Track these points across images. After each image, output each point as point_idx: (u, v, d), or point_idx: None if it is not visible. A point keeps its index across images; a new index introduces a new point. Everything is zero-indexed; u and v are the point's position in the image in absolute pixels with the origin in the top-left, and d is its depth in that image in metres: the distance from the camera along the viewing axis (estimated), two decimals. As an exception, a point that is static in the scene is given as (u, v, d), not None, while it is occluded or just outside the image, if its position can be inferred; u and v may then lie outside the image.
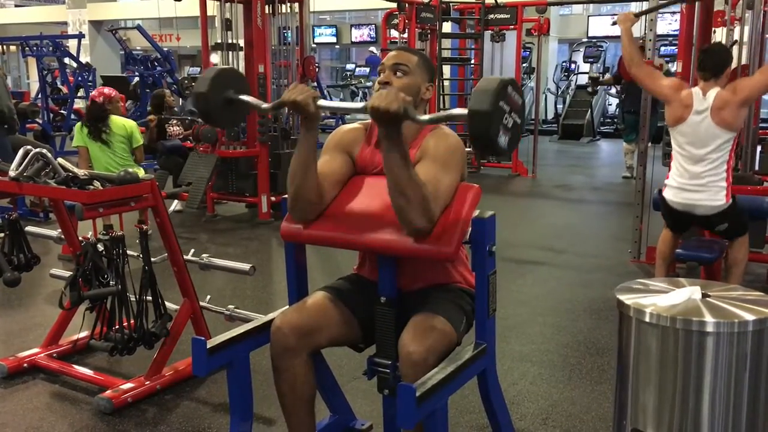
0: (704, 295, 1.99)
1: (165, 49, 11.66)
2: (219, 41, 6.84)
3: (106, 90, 5.76)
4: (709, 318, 1.84)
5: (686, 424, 1.89)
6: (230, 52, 6.90)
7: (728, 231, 4.07)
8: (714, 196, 3.92)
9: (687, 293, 1.97)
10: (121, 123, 5.53)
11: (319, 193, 2.15)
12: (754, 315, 1.86)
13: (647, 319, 1.90)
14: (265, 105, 2.23)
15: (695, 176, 3.95)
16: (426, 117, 1.97)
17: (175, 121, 7.53)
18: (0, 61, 13.02)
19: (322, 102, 2.05)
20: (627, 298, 1.99)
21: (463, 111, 1.83)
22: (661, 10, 6.12)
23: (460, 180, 2.13)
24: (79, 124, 5.71)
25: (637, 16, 4.35)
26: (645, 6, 5.72)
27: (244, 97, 2.18)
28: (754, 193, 4.48)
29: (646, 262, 5.22)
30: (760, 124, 6.85)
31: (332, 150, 2.27)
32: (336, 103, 2.16)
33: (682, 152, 4.02)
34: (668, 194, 4.09)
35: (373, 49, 18.87)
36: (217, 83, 2.14)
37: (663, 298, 1.96)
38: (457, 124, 10.04)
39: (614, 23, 4.48)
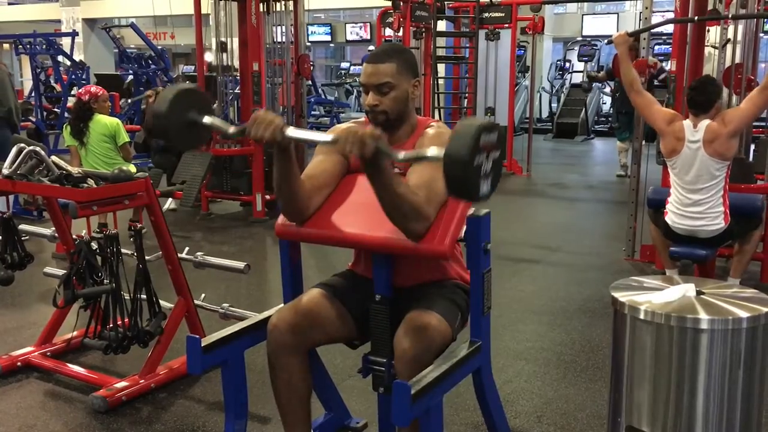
0: (699, 293, 2.00)
1: (159, 47, 11.63)
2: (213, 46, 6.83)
3: (93, 89, 5.62)
4: (703, 315, 1.85)
5: (681, 420, 1.89)
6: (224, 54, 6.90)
7: (739, 233, 4.21)
8: (713, 222, 4.07)
9: (681, 291, 1.98)
10: (104, 122, 5.41)
11: (308, 197, 2.14)
12: (748, 312, 1.87)
13: (642, 317, 1.91)
14: (231, 129, 2.09)
15: (694, 204, 4.10)
16: (401, 155, 1.88)
17: None
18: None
19: (289, 133, 1.95)
20: (622, 296, 2.00)
21: (438, 153, 1.74)
22: (654, 10, 6.13)
23: None
24: (66, 123, 5.65)
25: (632, 35, 4.41)
26: (639, 5, 5.73)
27: (208, 120, 2.06)
28: (747, 191, 4.50)
29: (641, 260, 5.23)
30: (754, 123, 6.87)
31: (326, 150, 2.27)
32: (305, 134, 2.04)
33: (679, 181, 4.16)
34: (670, 219, 4.21)
35: (370, 47, 18.86)
36: (178, 104, 2.01)
37: (658, 296, 1.97)
38: (451, 123, 10.05)
39: (609, 42, 4.53)
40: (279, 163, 2.05)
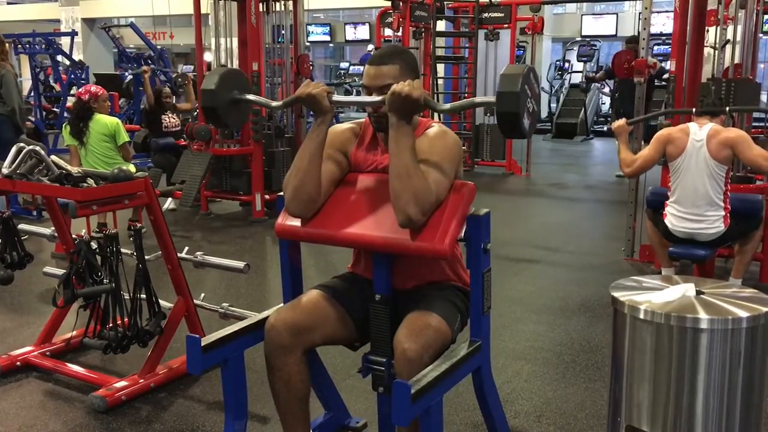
0: (698, 292, 2.00)
1: (158, 46, 11.63)
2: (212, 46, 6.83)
3: (93, 88, 5.61)
4: (703, 315, 1.85)
5: (680, 420, 1.89)
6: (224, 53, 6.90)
7: (740, 233, 4.22)
8: (712, 224, 4.09)
9: (681, 290, 1.98)
10: (103, 121, 5.40)
11: (320, 187, 2.16)
12: (748, 312, 1.87)
13: (642, 316, 1.91)
14: (275, 103, 2.26)
15: (694, 205, 4.11)
16: (447, 106, 2.06)
17: (170, 113, 7.49)
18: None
19: (336, 97, 2.11)
20: (621, 295, 2.00)
21: (488, 98, 1.96)
22: (654, 10, 6.13)
23: (455, 178, 2.13)
24: (65, 122, 5.65)
25: (630, 124, 4.54)
26: (639, 5, 5.74)
27: (252, 97, 2.22)
28: (746, 191, 4.51)
29: (640, 260, 5.23)
30: (753, 123, 6.87)
31: (328, 148, 2.27)
32: (351, 98, 2.21)
33: (680, 183, 4.17)
34: (669, 222, 4.22)
35: (369, 47, 18.86)
36: (224, 82, 2.18)
37: (657, 295, 1.97)
38: (452, 123, 10.06)
39: (609, 129, 4.66)
40: (313, 136, 2.15)
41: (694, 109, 4.34)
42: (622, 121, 4.47)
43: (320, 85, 2.12)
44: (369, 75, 2.17)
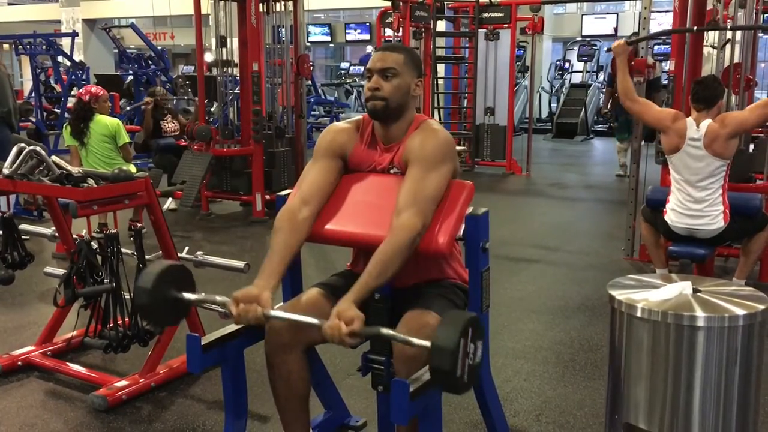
0: (695, 291, 2.01)
1: (159, 47, 11.64)
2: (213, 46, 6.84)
3: (93, 89, 5.62)
4: (700, 313, 1.86)
5: (677, 418, 1.90)
6: (223, 49, 6.91)
7: (745, 233, 4.23)
8: (712, 221, 4.09)
9: (678, 288, 1.99)
10: (104, 122, 5.41)
11: (303, 243, 2.18)
12: (745, 310, 1.88)
13: (639, 314, 1.92)
14: (219, 298, 2.05)
15: (694, 202, 4.12)
16: (384, 332, 1.87)
17: (170, 117, 7.51)
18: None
19: (272, 313, 1.97)
20: (619, 294, 2.01)
21: (425, 344, 1.73)
22: (653, 9, 6.14)
23: (453, 173, 2.14)
24: (66, 123, 5.66)
25: (630, 44, 4.47)
26: (638, 5, 5.74)
27: (191, 296, 2.05)
28: (746, 190, 4.52)
29: (640, 259, 5.24)
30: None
31: (323, 156, 2.27)
32: (288, 315, 2.02)
33: (679, 179, 4.18)
34: (669, 218, 4.23)
35: (368, 47, 18.88)
36: (163, 279, 1.99)
37: (654, 294, 1.98)
38: (451, 123, 10.06)
39: (608, 50, 4.62)
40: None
41: (695, 27, 4.24)
42: (621, 41, 4.40)
43: (254, 315, 1.96)
44: (374, 59, 2.21)
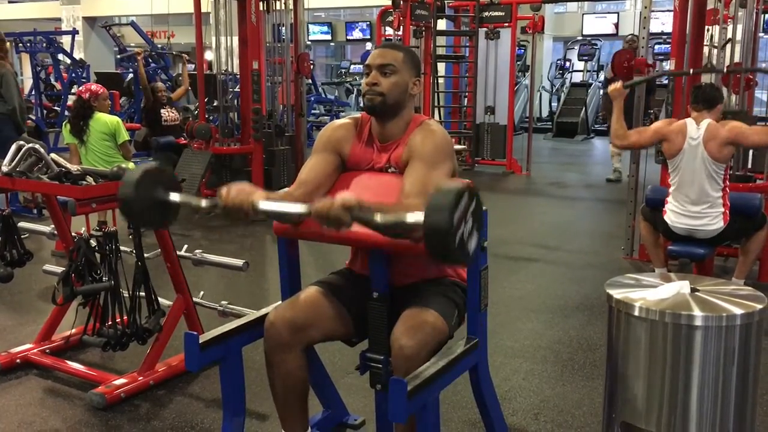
0: (693, 290, 2.01)
1: (159, 45, 11.63)
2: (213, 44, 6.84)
3: (93, 87, 5.61)
4: (697, 312, 1.86)
5: (675, 417, 1.90)
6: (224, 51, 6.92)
7: (743, 233, 4.22)
8: (712, 221, 4.10)
9: (676, 288, 1.99)
10: (104, 120, 5.40)
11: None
12: (742, 309, 1.88)
13: (636, 313, 1.92)
14: (203, 203, 2.01)
15: (693, 203, 4.13)
16: (379, 218, 1.79)
17: (169, 108, 7.50)
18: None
19: (262, 206, 1.90)
20: (617, 293, 2.01)
21: (418, 219, 1.67)
22: (654, 9, 6.14)
23: (451, 173, 2.14)
24: (65, 121, 5.67)
25: (627, 87, 4.51)
26: (639, 4, 5.74)
27: (176, 198, 2.02)
28: (746, 189, 4.52)
29: (639, 259, 5.24)
30: (757, 123, 6.87)
31: (321, 150, 2.28)
32: (277, 206, 1.95)
33: (679, 180, 4.18)
34: (669, 218, 4.23)
35: (369, 46, 18.87)
36: (143, 186, 1.97)
37: (652, 293, 1.98)
38: (451, 122, 10.06)
39: (605, 94, 4.65)
40: None
41: (691, 70, 4.31)
42: (618, 84, 4.44)
43: (244, 196, 1.90)
44: (373, 55, 2.21)
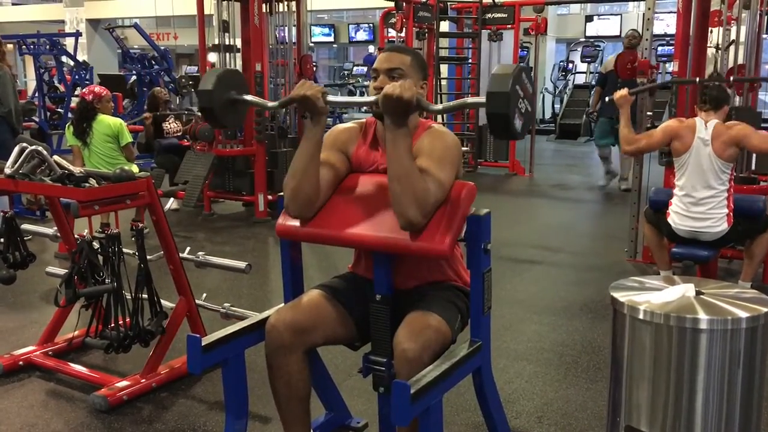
0: (698, 293, 2.00)
1: (162, 47, 11.64)
2: (216, 42, 6.84)
3: (97, 89, 5.63)
4: (702, 315, 1.85)
5: (680, 421, 1.89)
6: (227, 53, 6.90)
7: (748, 235, 4.21)
8: (716, 224, 4.09)
9: (681, 291, 1.98)
10: (107, 122, 5.42)
11: (318, 188, 2.16)
12: (748, 312, 1.86)
13: (641, 317, 1.91)
14: (271, 103, 2.26)
15: (698, 204, 4.12)
16: (439, 107, 2.05)
17: (172, 119, 7.51)
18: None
19: (331, 97, 2.11)
20: (621, 296, 2.00)
21: (479, 99, 1.90)
22: (657, 11, 6.13)
23: (456, 178, 2.14)
24: (69, 123, 5.67)
25: (632, 94, 4.53)
26: (642, 6, 5.74)
27: (249, 97, 2.23)
28: (750, 192, 4.50)
29: (643, 261, 5.23)
30: (762, 124, 6.85)
31: (328, 149, 2.28)
32: (346, 98, 2.22)
33: (684, 181, 4.18)
34: (672, 220, 4.22)
35: (371, 48, 18.88)
36: (221, 83, 2.18)
37: (657, 296, 1.97)
38: (454, 124, 10.05)
39: (610, 101, 4.68)
40: (309, 137, 2.15)
41: (697, 79, 4.31)
42: (624, 91, 4.45)
43: (315, 86, 2.12)
44: (380, 59, 2.22)
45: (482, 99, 1.89)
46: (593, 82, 14.86)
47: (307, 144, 2.14)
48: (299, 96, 2.09)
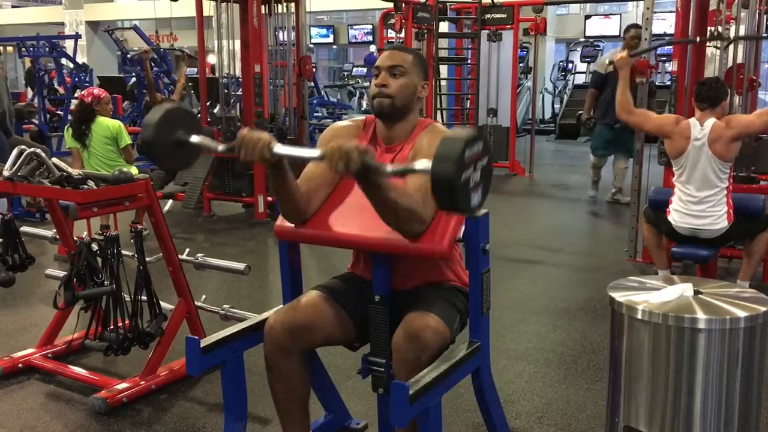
0: (696, 292, 2.00)
1: (161, 49, 11.64)
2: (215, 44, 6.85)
3: (96, 91, 5.63)
4: (701, 315, 1.85)
5: (678, 420, 1.89)
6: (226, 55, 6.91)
7: (747, 234, 4.20)
8: (715, 221, 4.08)
9: (679, 290, 1.98)
10: (105, 124, 5.42)
11: (306, 201, 2.16)
12: (746, 312, 1.86)
13: (639, 316, 1.91)
14: (220, 147, 2.06)
15: (697, 202, 4.11)
16: (389, 168, 1.85)
17: None
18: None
19: (277, 150, 1.92)
20: (619, 296, 2.00)
21: (427, 166, 1.69)
22: (656, 10, 6.13)
23: None
24: (67, 125, 5.68)
25: (633, 56, 4.49)
26: (641, 5, 5.73)
27: (195, 139, 2.04)
28: (750, 191, 4.50)
29: (643, 261, 5.22)
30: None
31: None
32: (293, 150, 2.01)
33: (683, 180, 4.18)
34: (673, 218, 4.22)
35: (372, 48, 18.87)
36: (167, 120, 2.00)
37: (655, 296, 1.97)
38: (454, 124, 10.05)
39: (611, 63, 4.65)
40: (273, 178, 2.05)
41: (698, 38, 4.28)
42: (624, 53, 4.42)
43: (260, 140, 1.90)
44: (382, 57, 2.22)
45: (428, 167, 1.69)
46: (591, 81, 14.85)
47: (273, 181, 2.07)
48: (246, 159, 1.92)
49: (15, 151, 3.09)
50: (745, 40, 4.84)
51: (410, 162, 2.14)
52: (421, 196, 1.99)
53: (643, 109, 4.51)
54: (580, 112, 7.89)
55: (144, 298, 3.12)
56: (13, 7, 23.89)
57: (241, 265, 3.35)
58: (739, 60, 5.05)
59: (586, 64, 15.32)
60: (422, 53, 8.92)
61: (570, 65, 15.90)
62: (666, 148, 4.29)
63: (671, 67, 5.52)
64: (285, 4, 7.12)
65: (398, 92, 2.17)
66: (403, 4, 8.57)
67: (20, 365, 3.38)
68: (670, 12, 13.31)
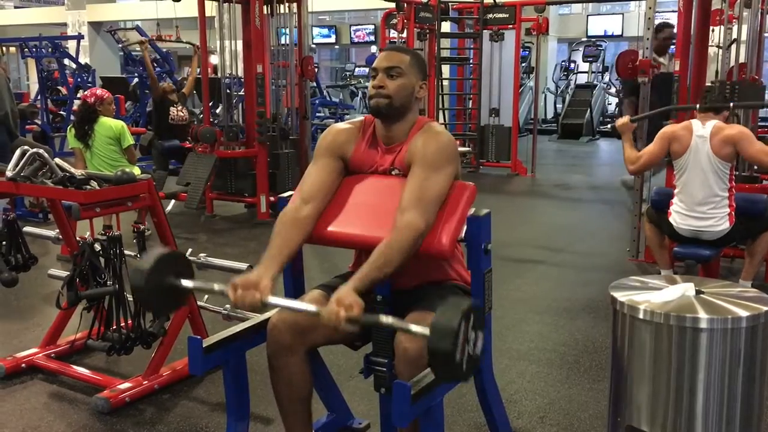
0: (698, 292, 2.00)
1: (164, 49, 11.66)
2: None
3: (98, 91, 5.65)
4: (702, 314, 1.85)
5: (680, 420, 1.89)
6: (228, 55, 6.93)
7: (749, 234, 4.19)
8: (717, 223, 4.08)
9: (681, 290, 1.98)
10: (108, 124, 5.44)
11: (298, 244, 2.18)
12: (748, 311, 1.86)
13: (641, 316, 1.91)
14: (216, 287, 2.02)
15: (699, 203, 4.11)
16: (383, 320, 1.86)
17: (180, 106, 7.50)
18: (-1, 62, 12.99)
19: (271, 300, 1.96)
20: (621, 295, 2.00)
21: (423, 331, 1.69)
22: (658, 10, 6.12)
23: (455, 175, 2.14)
24: (70, 125, 5.69)
25: (634, 122, 4.52)
26: (643, 5, 5.74)
27: (188, 283, 2.03)
28: (752, 190, 4.50)
29: (645, 260, 5.22)
30: (759, 123, 6.84)
31: (323, 155, 2.28)
32: (284, 302, 2.03)
33: (685, 180, 4.16)
34: (674, 219, 4.21)
35: (374, 48, 18.87)
36: (160, 265, 1.98)
37: (657, 295, 1.97)
38: (456, 124, 10.05)
39: (613, 127, 4.67)
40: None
41: (698, 105, 4.32)
42: (625, 119, 4.48)
43: (251, 300, 1.94)
44: (380, 58, 2.23)
45: (419, 329, 1.72)
46: (595, 82, 14.86)
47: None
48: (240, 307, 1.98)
49: (18, 152, 3.09)
50: (742, 108, 4.83)
51: (406, 164, 2.17)
52: (420, 207, 2.03)
53: (637, 151, 4.47)
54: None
55: (147, 298, 3.12)
56: (15, 7, 23.91)
57: (243, 266, 3.36)
58: (742, 60, 5.04)
59: (588, 64, 15.32)
60: (424, 53, 8.96)
61: (572, 65, 15.89)
62: (671, 150, 4.27)
63: (673, 66, 5.52)
64: (287, 4, 7.13)
65: (396, 93, 2.17)
66: (405, 4, 8.58)
67: (23, 365, 3.39)
68: (673, 12, 13.31)
